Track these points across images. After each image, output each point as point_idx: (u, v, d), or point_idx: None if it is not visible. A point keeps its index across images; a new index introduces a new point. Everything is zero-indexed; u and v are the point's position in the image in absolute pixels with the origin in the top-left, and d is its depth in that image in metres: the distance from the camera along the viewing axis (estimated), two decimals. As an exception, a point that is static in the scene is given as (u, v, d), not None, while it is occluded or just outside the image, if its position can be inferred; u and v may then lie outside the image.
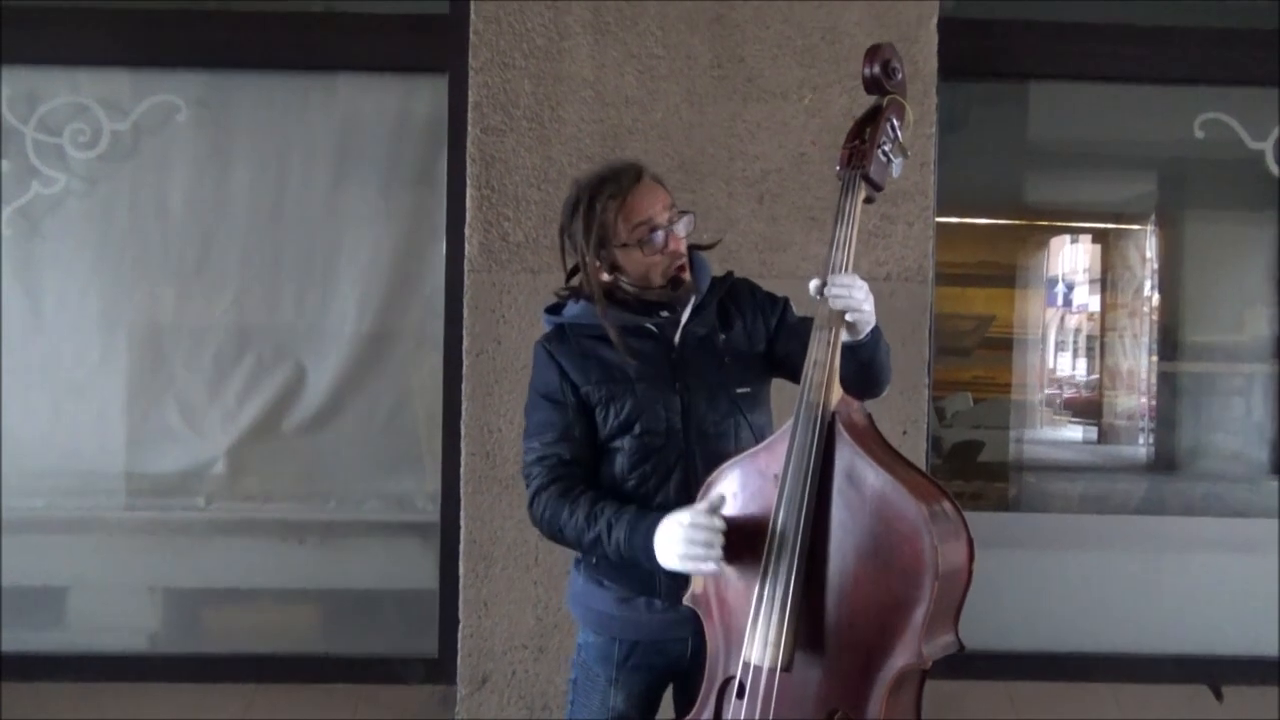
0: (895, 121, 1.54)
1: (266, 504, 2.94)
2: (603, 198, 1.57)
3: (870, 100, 1.57)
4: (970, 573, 1.43)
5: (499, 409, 2.59)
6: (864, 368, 1.52)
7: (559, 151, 2.59)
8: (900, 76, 1.56)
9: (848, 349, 1.47)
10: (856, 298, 1.42)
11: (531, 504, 1.59)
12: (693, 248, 1.67)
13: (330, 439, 2.94)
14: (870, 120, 1.54)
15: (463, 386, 2.59)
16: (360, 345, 2.94)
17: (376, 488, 2.96)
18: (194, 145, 2.90)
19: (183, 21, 2.81)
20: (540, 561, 2.59)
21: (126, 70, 2.88)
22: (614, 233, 1.57)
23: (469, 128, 2.59)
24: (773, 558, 1.40)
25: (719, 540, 1.40)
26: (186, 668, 2.81)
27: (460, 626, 2.61)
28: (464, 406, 2.59)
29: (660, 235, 1.58)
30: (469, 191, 2.60)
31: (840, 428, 1.43)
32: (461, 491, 2.60)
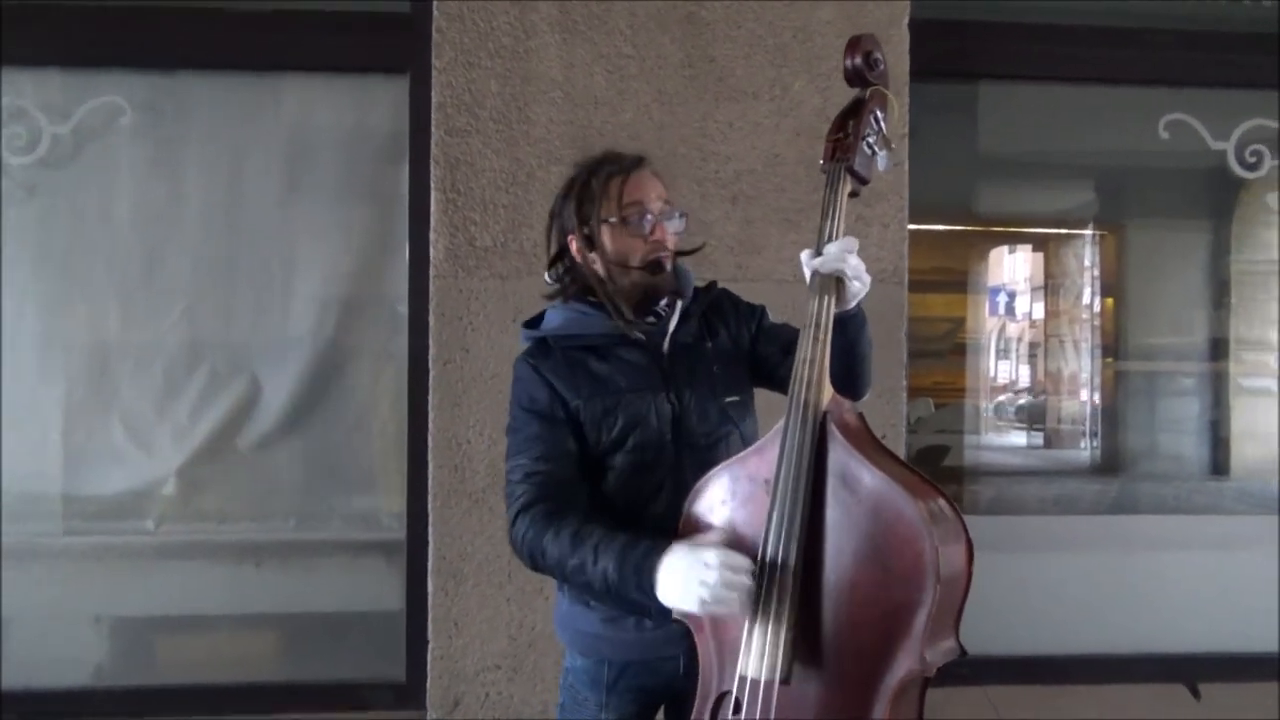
0: (879, 113, 1.51)
1: (221, 525, 2.81)
2: (601, 174, 1.55)
3: (852, 93, 1.52)
4: (970, 575, 1.39)
5: (468, 420, 2.50)
6: (850, 350, 1.48)
7: (527, 153, 2.52)
8: (883, 67, 1.53)
9: (836, 329, 1.42)
10: (851, 263, 1.40)
11: (514, 523, 1.48)
12: (676, 253, 1.63)
13: (289, 456, 2.83)
14: (853, 112, 1.51)
15: (429, 397, 2.50)
16: (319, 357, 2.83)
17: (338, 506, 2.85)
18: (140, 150, 2.77)
19: (127, 19, 2.67)
20: (513, 578, 2.50)
21: (67, 70, 2.74)
22: (602, 206, 1.53)
23: (433, 129, 2.51)
24: (766, 566, 1.34)
25: (751, 580, 1.33)
26: (137, 701, 2.66)
27: (430, 648, 2.51)
28: (431, 418, 2.50)
29: (649, 220, 1.54)
30: (434, 195, 2.51)
31: (833, 428, 1.38)
32: (429, 507, 2.51)
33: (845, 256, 1.39)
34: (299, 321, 2.82)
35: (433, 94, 2.51)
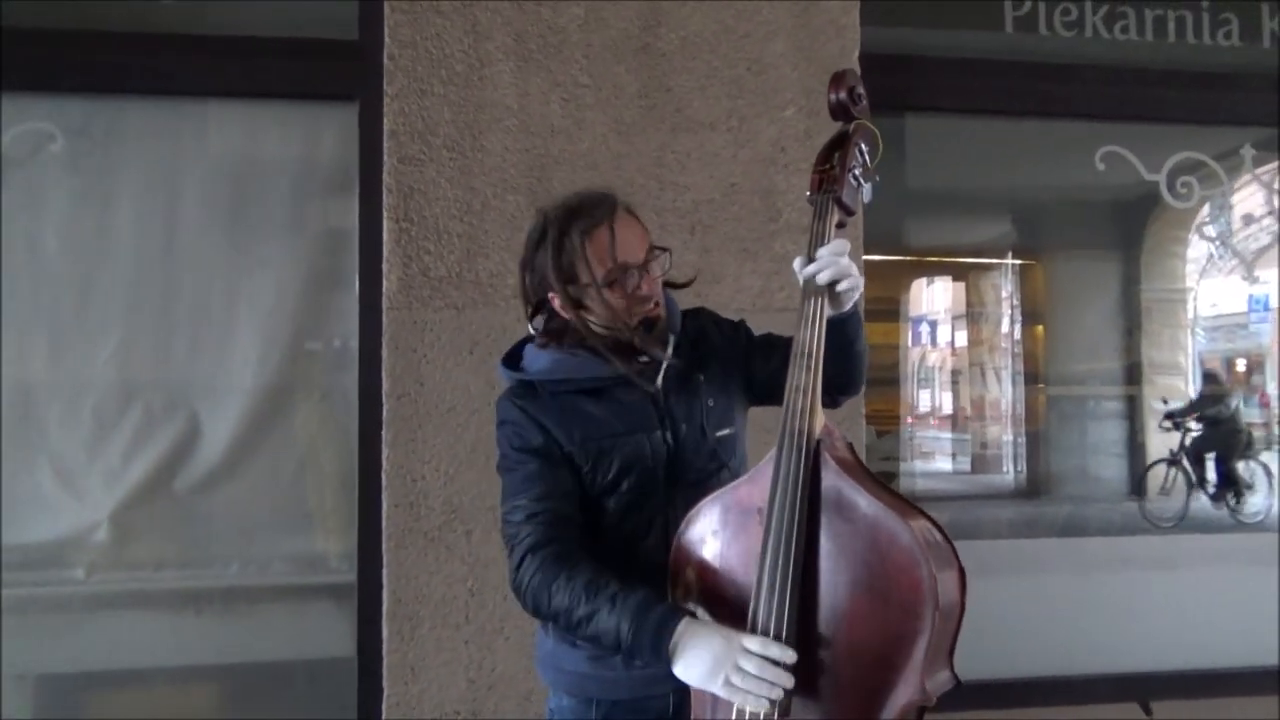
0: (864, 146, 1.54)
1: (158, 572, 2.65)
2: (573, 234, 1.44)
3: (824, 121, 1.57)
4: (964, 602, 1.38)
5: (423, 456, 2.43)
6: (848, 349, 1.49)
7: (482, 182, 2.48)
8: (865, 102, 1.56)
9: (834, 328, 1.43)
10: (844, 264, 1.41)
11: (520, 566, 1.41)
12: (665, 285, 1.60)
13: (229, 498, 2.68)
14: (839, 145, 1.54)
15: (383, 433, 2.42)
16: (261, 394, 2.70)
17: (283, 548, 2.72)
18: (71, 179, 2.64)
19: (59, 41, 2.56)
20: (471, 619, 2.42)
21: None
22: (582, 272, 1.45)
23: (385, 157, 2.46)
24: (762, 599, 1.31)
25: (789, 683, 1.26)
26: (66, 764, 2.49)
27: (385, 696, 2.41)
28: (385, 454, 2.42)
29: (634, 277, 1.46)
30: (386, 224, 2.45)
31: (826, 456, 1.37)
32: (384, 547, 2.42)
33: (838, 260, 1.40)
34: (239, 358, 2.70)
35: (385, 122, 2.46)
